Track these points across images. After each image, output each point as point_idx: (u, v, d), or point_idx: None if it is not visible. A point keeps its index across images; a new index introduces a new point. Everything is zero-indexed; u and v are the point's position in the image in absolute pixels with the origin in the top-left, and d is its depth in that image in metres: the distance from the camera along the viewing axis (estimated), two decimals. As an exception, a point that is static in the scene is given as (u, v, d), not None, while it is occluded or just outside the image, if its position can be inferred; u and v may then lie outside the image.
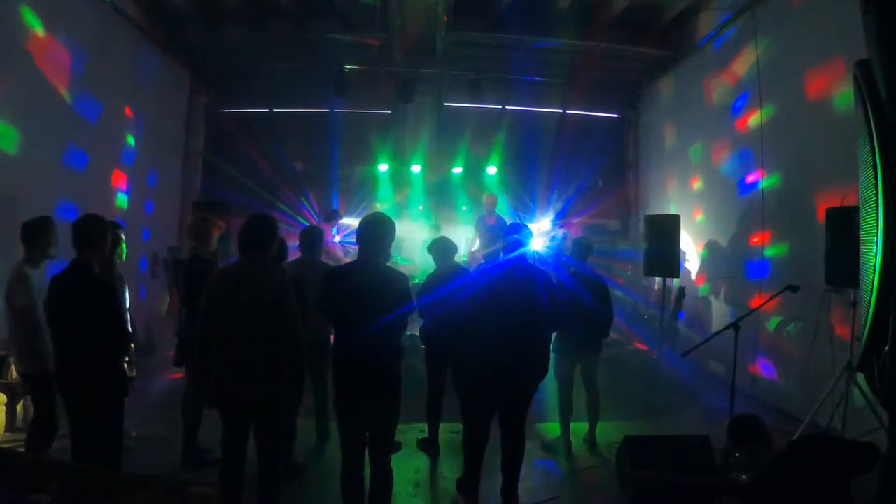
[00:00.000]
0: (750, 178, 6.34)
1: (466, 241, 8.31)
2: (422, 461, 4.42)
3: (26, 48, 5.07)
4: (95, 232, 3.20)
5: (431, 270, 4.86)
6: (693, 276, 7.58)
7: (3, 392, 4.47)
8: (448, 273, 4.44)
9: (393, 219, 3.24)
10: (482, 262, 7.07)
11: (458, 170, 9.53)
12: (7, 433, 4.44)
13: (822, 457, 2.46)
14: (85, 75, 5.95)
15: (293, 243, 4.54)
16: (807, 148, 5.30)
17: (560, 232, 8.32)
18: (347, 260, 6.87)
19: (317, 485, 3.91)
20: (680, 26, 7.79)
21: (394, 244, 3.37)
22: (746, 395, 5.21)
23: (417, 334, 5.92)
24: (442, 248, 4.69)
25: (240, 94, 9.56)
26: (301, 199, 8.91)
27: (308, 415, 4.45)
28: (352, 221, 8.04)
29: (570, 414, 4.69)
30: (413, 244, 8.36)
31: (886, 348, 1.99)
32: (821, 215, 4.58)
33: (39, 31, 5.21)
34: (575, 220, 8.89)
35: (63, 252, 3.39)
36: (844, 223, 4.13)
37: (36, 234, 3.53)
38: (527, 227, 3.81)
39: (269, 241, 3.08)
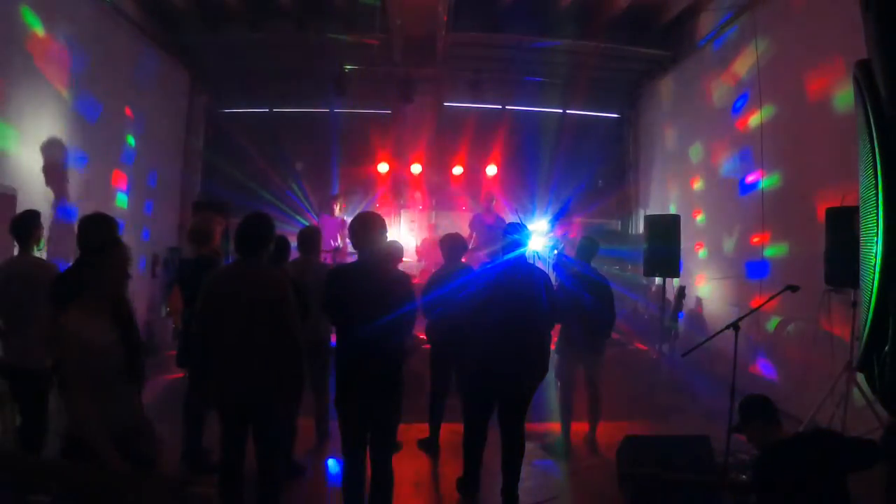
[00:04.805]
0: (750, 178, 6.34)
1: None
2: (422, 461, 4.42)
3: (26, 48, 5.07)
4: (103, 231, 3.20)
5: (431, 268, 4.86)
6: (693, 276, 7.58)
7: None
8: (452, 272, 4.43)
9: (387, 218, 3.25)
10: (485, 260, 7.06)
11: (458, 170, 9.53)
12: (7, 433, 4.43)
13: (822, 451, 2.47)
14: (85, 75, 5.95)
15: (292, 243, 4.55)
16: (807, 148, 5.30)
17: (560, 233, 8.30)
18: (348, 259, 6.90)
19: (317, 485, 3.92)
20: (680, 26, 7.79)
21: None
22: (745, 395, 5.22)
23: (421, 335, 5.92)
24: (453, 244, 4.67)
25: (240, 94, 9.56)
26: (301, 198, 8.91)
27: (308, 415, 4.45)
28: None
29: (571, 414, 4.69)
30: (412, 244, 8.37)
31: (886, 348, 1.99)
32: (821, 215, 4.58)
33: (39, 31, 5.21)
34: (576, 220, 8.87)
35: (63, 251, 3.39)
36: (844, 223, 4.12)
37: (31, 228, 3.55)
38: (526, 227, 3.82)
39: (266, 242, 3.07)
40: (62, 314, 2.30)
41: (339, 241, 7.73)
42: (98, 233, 3.18)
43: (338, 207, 8.12)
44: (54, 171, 5.55)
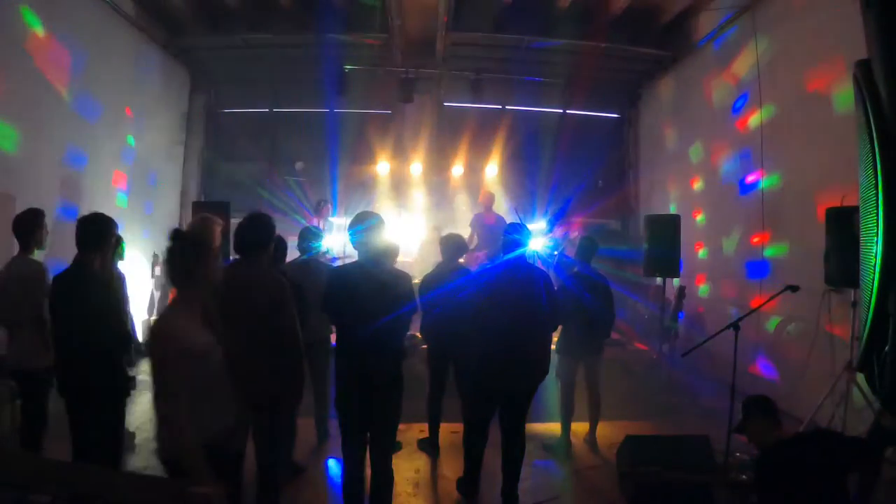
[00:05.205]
0: (750, 178, 6.34)
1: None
2: (422, 461, 4.42)
3: (26, 48, 5.07)
4: (100, 230, 3.19)
5: (431, 268, 4.85)
6: (693, 276, 7.58)
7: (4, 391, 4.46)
8: (448, 272, 4.43)
9: (388, 218, 3.25)
10: (484, 261, 7.06)
11: (458, 170, 9.54)
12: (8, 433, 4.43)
13: (823, 451, 2.48)
14: (85, 75, 5.96)
15: (292, 243, 4.54)
16: (807, 148, 5.30)
17: (560, 233, 8.30)
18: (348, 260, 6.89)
19: (317, 485, 3.92)
20: (680, 26, 7.79)
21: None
22: (746, 396, 5.22)
23: (417, 334, 5.92)
24: (452, 244, 4.66)
25: (240, 94, 9.56)
26: (301, 198, 8.91)
27: (308, 415, 4.45)
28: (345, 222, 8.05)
29: (572, 414, 4.69)
30: (412, 244, 8.36)
31: (886, 348, 1.99)
32: (821, 215, 4.58)
33: (39, 31, 5.21)
34: (577, 220, 8.86)
35: (62, 251, 3.39)
36: (844, 223, 4.13)
37: (32, 227, 3.52)
38: (526, 227, 3.82)
39: (266, 242, 3.07)
40: (162, 318, 2.19)
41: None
42: (96, 232, 3.18)
43: (327, 212, 8.09)
44: (54, 172, 5.56)
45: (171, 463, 2.15)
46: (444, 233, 5.31)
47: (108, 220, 3.27)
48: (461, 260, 4.96)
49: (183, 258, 2.27)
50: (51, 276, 3.41)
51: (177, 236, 2.32)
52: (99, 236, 3.17)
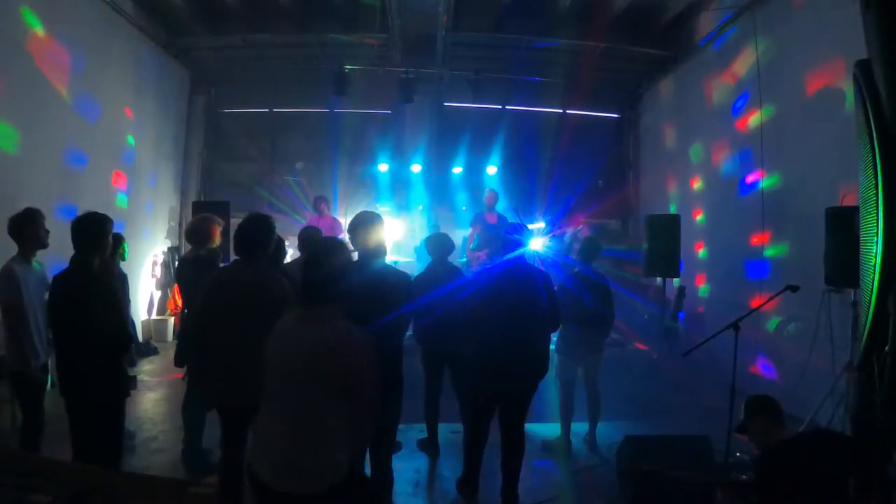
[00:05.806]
0: (750, 178, 6.34)
1: (463, 239, 8.30)
2: (422, 461, 4.42)
3: (26, 48, 5.07)
4: (96, 230, 3.19)
5: (422, 269, 4.80)
6: (693, 276, 7.58)
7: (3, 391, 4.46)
8: (440, 274, 4.40)
9: (389, 218, 3.25)
10: (484, 261, 7.06)
11: (458, 170, 9.54)
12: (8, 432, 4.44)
13: (824, 451, 2.48)
14: (85, 75, 5.96)
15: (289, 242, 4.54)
16: (807, 148, 5.30)
17: (569, 231, 8.29)
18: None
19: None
20: (680, 26, 7.79)
21: (393, 244, 3.38)
22: (746, 395, 5.21)
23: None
24: (439, 244, 4.61)
25: (240, 94, 9.58)
26: (300, 198, 8.92)
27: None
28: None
29: (572, 414, 4.69)
30: (412, 244, 8.37)
31: (886, 348, 2.00)
32: (821, 215, 4.58)
33: (39, 31, 5.21)
34: (581, 218, 8.86)
35: (63, 251, 3.38)
36: (844, 223, 4.12)
37: (21, 229, 3.48)
38: (527, 227, 3.81)
39: (266, 243, 3.07)
40: (358, 335, 2.22)
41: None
42: (92, 232, 3.17)
43: (325, 208, 8.10)
44: (54, 172, 5.55)
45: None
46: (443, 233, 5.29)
47: (103, 219, 3.25)
48: (464, 260, 4.93)
49: (335, 272, 2.22)
50: (21, 276, 3.39)
51: (324, 250, 2.27)
52: (94, 236, 3.16)
